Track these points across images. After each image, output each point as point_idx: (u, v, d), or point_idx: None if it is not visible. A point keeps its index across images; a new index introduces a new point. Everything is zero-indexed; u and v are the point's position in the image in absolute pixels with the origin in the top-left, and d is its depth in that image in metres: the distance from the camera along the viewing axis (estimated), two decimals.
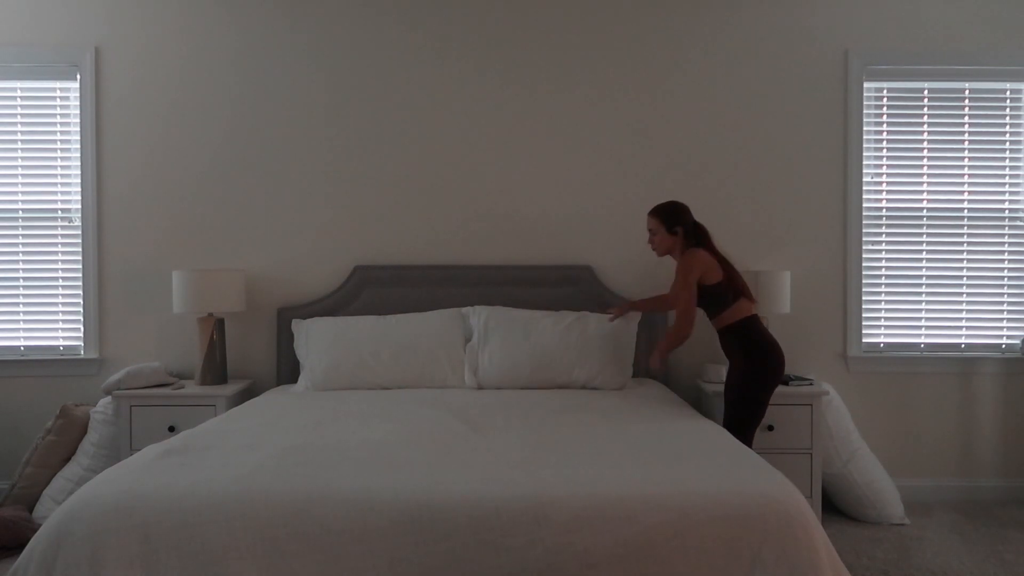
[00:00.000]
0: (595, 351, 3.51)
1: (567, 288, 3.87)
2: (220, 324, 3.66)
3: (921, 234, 4.00)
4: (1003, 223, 4.01)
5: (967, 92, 3.99)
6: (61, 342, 3.93)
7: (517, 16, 3.94)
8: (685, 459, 2.17)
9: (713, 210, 3.94)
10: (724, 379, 3.63)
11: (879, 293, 4.01)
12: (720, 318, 3.17)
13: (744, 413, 3.10)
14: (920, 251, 4.00)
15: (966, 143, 4.00)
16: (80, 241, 3.89)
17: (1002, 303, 4.01)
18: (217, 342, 3.64)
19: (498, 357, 3.53)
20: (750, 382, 3.10)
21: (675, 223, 3.23)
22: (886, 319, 4.02)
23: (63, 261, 3.91)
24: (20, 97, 3.91)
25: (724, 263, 3.18)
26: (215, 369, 3.63)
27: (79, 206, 3.89)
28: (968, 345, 4.01)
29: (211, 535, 1.83)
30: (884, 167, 4.01)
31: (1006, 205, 4.01)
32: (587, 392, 3.39)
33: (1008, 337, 4.01)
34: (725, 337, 3.19)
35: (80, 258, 3.89)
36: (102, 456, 3.51)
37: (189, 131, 3.92)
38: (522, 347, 3.52)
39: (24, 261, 3.90)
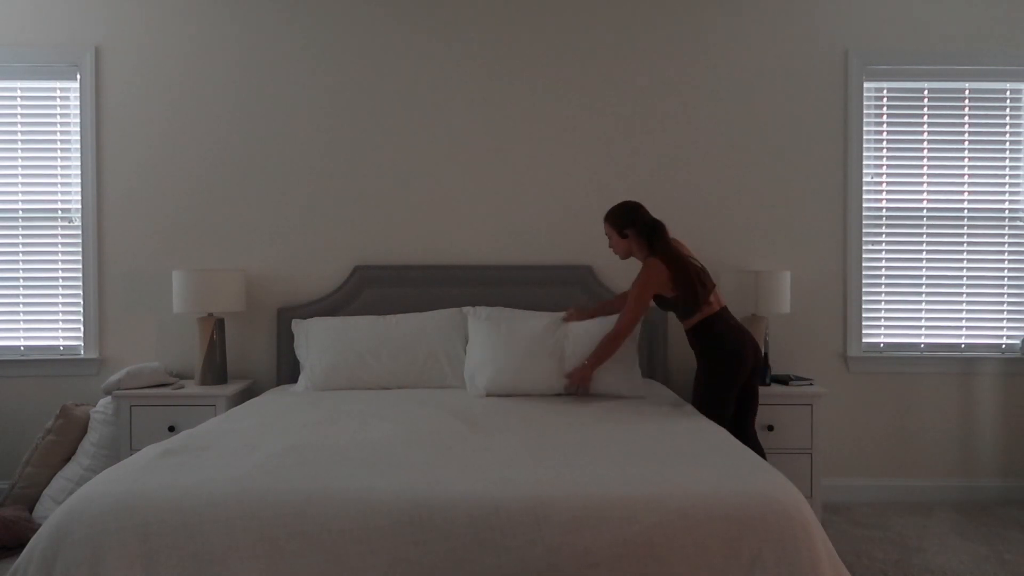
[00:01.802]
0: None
1: (567, 288, 3.87)
2: (220, 324, 3.66)
3: (921, 234, 4.00)
4: (1003, 223, 4.01)
5: (967, 92, 3.99)
6: (61, 342, 3.93)
7: (517, 17, 3.94)
8: (685, 459, 2.16)
9: (713, 210, 3.95)
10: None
11: (879, 293, 4.01)
12: (687, 320, 3.14)
13: (707, 414, 3.02)
14: (920, 251, 4.00)
15: (966, 143, 4.00)
16: (80, 241, 3.89)
17: (1002, 303, 4.01)
18: (217, 342, 3.64)
19: None
20: (709, 382, 3.07)
21: (624, 225, 3.14)
22: (886, 319, 4.02)
23: (63, 261, 3.92)
24: (20, 97, 3.91)
25: (682, 268, 3.02)
26: (215, 369, 3.63)
27: (79, 206, 3.89)
28: (968, 345, 4.01)
29: (211, 535, 1.82)
30: (884, 167, 4.01)
31: (1006, 205, 4.01)
32: None
33: (1008, 337, 4.01)
34: (688, 336, 3.17)
35: (80, 258, 3.89)
36: (102, 456, 3.51)
37: (189, 131, 3.92)
38: None
39: (24, 261, 3.91)
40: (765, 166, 3.97)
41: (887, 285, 4.01)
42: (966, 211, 4.00)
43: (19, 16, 3.87)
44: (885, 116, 4.01)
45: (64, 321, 3.93)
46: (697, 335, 3.11)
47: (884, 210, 4.01)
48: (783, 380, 3.64)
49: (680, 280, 3.03)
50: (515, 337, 3.32)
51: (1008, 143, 4.00)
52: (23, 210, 3.90)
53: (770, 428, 3.47)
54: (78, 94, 3.88)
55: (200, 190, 3.93)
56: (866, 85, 3.98)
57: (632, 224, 3.15)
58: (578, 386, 3.20)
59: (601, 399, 3.18)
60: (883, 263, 4.01)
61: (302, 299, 3.93)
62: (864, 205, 3.97)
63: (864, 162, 3.97)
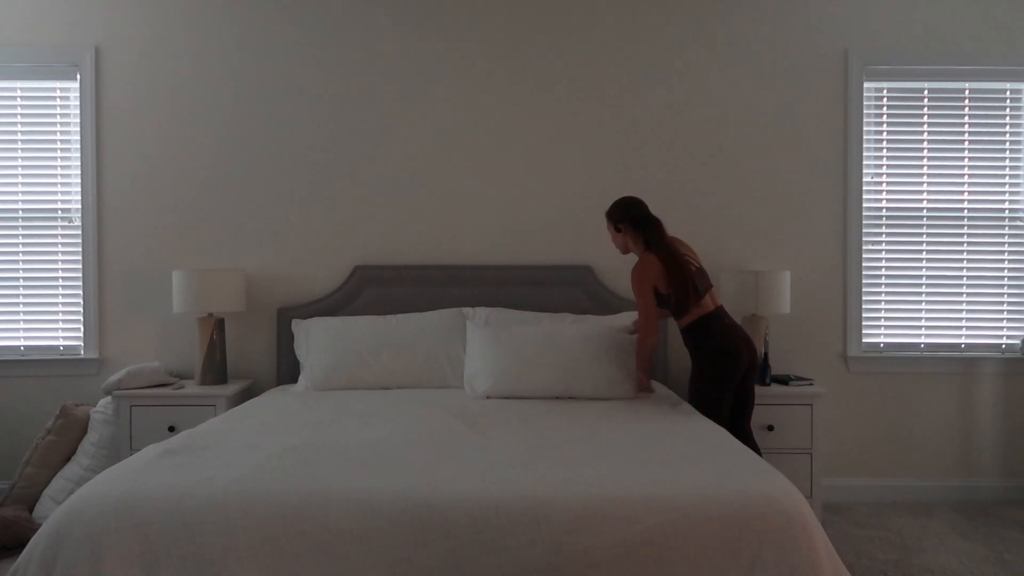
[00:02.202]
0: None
1: (567, 288, 3.87)
2: (220, 324, 3.66)
3: (921, 234, 4.00)
4: (1003, 223, 4.01)
5: (967, 92, 3.99)
6: (61, 342, 3.93)
7: (517, 18, 3.94)
8: (685, 459, 2.16)
9: (713, 210, 3.95)
10: None
11: (879, 293, 4.01)
12: (681, 319, 3.15)
13: (702, 414, 2.98)
14: (920, 251, 4.00)
15: (966, 143, 4.00)
16: (80, 241, 3.89)
17: (1002, 303, 4.01)
18: (217, 342, 3.64)
19: None
20: (703, 382, 3.09)
21: (619, 220, 3.19)
22: (886, 319, 4.02)
23: (63, 261, 3.91)
24: (20, 97, 3.91)
25: (676, 265, 3.04)
26: (215, 369, 3.63)
27: (79, 206, 3.89)
28: (968, 345, 4.01)
29: (211, 535, 1.82)
30: (884, 167, 4.01)
31: (1006, 205, 4.01)
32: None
33: (1008, 337, 4.01)
34: (682, 336, 3.19)
35: (80, 258, 3.89)
36: (102, 456, 3.51)
37: (189, 131, 3.92)
38: None
39: (24, 261, 3.91)
40: (765, 166, 3.97)
41: (887, 285, 4.01)
42: (966, 211, 4.00)
43: (19, 16, 3.87)
44: (885, 116, 4.01)
45: (64, 321, 3.93)
46: (691, 335, 3.12)
47: (884, 210, 4.01)
48: (783, 380, 3.64)
49: (675, 277, 3.04)
50: (515, 345, 3.31)
51: (1008, 143, 4.00)
52: (23, 210, 3.90)
53: (770, 428, 3.47)
54: (78, 94, 3.88)
55: (200, 190, 3.93)
56: (866, 85, 3.98)
57: (628, 219, 3.17)
58: (642, 392, 3.30)
59: (601, 399, 3.18)
60: (883, 263, 4.01)
61: (302, 299, 3.93)
62: (864, 205, 3.97)
63: (864, 162, 3.97)
